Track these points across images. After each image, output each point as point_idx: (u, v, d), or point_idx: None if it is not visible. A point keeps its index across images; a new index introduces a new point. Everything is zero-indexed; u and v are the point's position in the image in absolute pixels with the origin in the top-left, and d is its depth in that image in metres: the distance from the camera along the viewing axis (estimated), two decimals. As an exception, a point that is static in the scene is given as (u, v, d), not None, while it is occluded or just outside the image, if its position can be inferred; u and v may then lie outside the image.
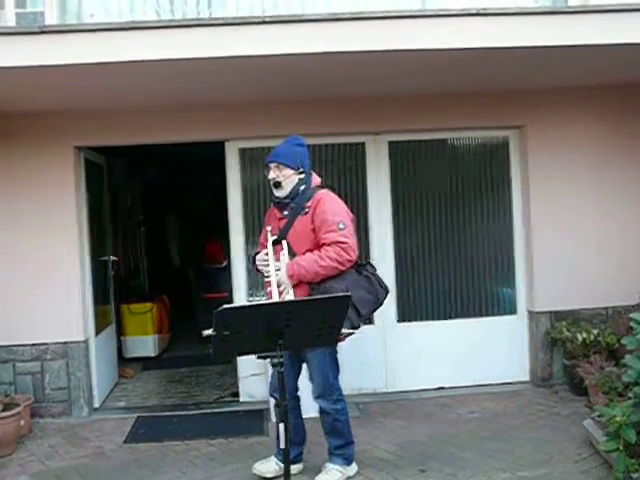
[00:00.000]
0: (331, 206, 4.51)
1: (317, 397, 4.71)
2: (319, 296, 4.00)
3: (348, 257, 4.37)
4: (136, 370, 8.33)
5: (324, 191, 4.63)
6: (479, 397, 6.53)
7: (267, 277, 4.50)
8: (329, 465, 4.80)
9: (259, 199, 6.75)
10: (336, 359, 4.73)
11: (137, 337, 8.92)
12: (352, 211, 4.82)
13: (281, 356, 3.40)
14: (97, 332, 6.93)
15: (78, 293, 6.52)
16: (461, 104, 6.61)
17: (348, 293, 3.69)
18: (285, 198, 4.56)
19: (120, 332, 8.77)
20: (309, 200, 4.52)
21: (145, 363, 8.72)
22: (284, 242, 4.51)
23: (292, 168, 4.55)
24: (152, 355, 8.97)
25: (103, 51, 4.73)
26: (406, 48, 4.87)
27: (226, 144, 6.67)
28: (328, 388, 4.67)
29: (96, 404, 6.79)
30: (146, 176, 11.50)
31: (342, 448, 4.79)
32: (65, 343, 6.47)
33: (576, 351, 6.36)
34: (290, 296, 4.34)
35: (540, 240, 6.77)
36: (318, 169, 6.70)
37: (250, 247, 6.65)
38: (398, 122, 6.66)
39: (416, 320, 6.92)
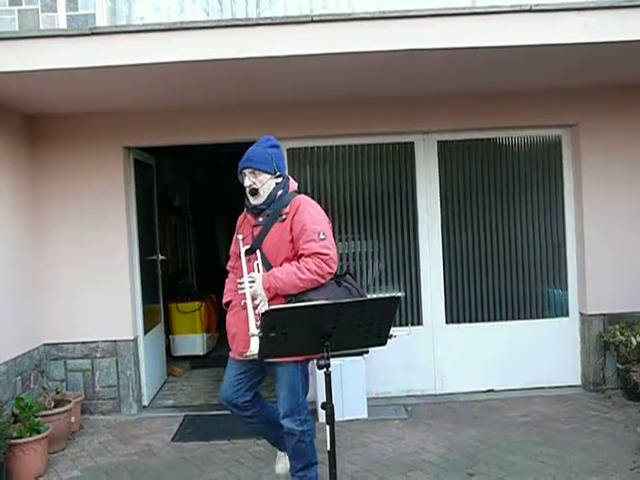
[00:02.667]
0: (311, 213, 4.14)
1: (284, 417, 4.24)
2: (368, 297, 3.93)
3: (329, 269, 4.03)
4: (184, 369, 8.40)
5: (302, 196, 4.28)
6: (529, 400, 6.43)
7: (241, 289, 4.14)
8: None
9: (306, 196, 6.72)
10: (307, 375, 4.31)
11: (186, 336, 8.99)
12: (400, 211, 4.74)
13: (328, 357, 3.37)
14: (146, 331, 6.99)
15: (128, 292, 6.59)
16: (512, 102, 6.53)
17: (399, 294, 3.61)
18: (261, 205, 4.20)
19: (169, 331, 8.85)
20: (287, 206, 4.15)
21: (193, 362, 8.78)
22: (258, 252, 4.17)
23: (268, 173, 4.17)
24: (200, 354, 9.03)
25: (153, 52, 4.77)
26: (455, 46, 4.81)
27: (275, 144, 6.68)
28: (297, 407, 4.23)
29: (145, 402, 6.86)
30: (195, 177, 11.59)
31: (304, 470, 4.38)
32: (115, 341, 6.55)
33: (630, 355, 6.23)
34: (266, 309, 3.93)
35: (592, 242, 6.63)
36: (368, 168, 6.74)
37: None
38: (447, 121, 6.60)
39: (465, 322, 6.85)
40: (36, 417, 5.29)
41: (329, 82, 5.71)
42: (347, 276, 4.25)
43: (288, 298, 4.05)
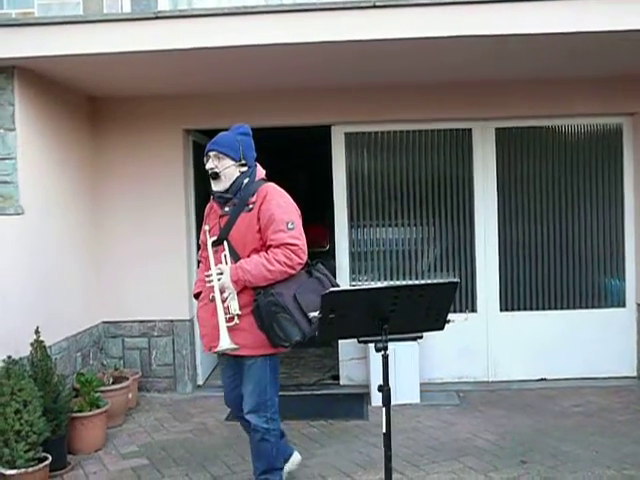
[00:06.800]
0: (279, 202, 3.99)
1: (249, 412, 4.09)
2: (426, 282, 3.92)
3: (299, 260, 3.91)
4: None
5: (270, 184, 4.12)
6: (583, 390, 6.38)
7: (209, 282, 4.04)
8: None
9: (363, 181, 6.84)
10: (277, 370, 4.18)
11: (239, 317, 9.05)
12: (454, 198, 4.71)
13: (386, 340, 3.40)
14: (202, 311, 7.08)
15: (185, 273, 6.70)
16: (571, 90, 6.45)
17: (456, 280, 3.54)
18: (226, 192, 4.06)
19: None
20: (254, 195, 4.02)
21: (246, 343, 8.84)
22: (225, 242, 4.06)
23: (232, 159, 4.04)
24: (253, 335, 9.08)
25: (215, 36, 4.82)
26: (515, 33, 4.76)
27: (332, 128, 6.73)
28: (263, 403, 4.07)
29: (199, 381, 6.97)
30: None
31: (267, 473, 4.20)
32: (171, 321, 6.67)
33: (688, 347, 6.14)
34: (235, 302, 3.95)
35: (652, 232, 6.55)
36: (425, 154, 6.72)
37: (354, 230, 6.82)
38: (506, 108, 6.54)
39: (519, 310, 6.81)
40: (96, 392, 5.43)
41: (389, 67, 5.70)
42: (319, 265, 4.18)
43: (257, 291, 3.95)
